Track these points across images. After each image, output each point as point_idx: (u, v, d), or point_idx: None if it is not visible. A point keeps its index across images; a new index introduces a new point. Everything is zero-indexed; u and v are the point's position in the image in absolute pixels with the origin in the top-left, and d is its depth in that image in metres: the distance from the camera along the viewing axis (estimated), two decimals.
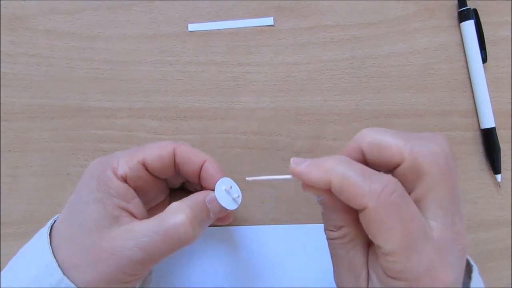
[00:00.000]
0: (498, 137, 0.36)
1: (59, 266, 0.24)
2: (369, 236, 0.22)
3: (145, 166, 0.27)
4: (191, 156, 0.28)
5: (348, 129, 0.36)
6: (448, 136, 0.36)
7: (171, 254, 0.25)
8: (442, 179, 0.22)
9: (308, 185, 0.23)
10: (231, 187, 0.27)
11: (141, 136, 0.37)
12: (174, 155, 0.27)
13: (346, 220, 0.23)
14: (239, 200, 0.28)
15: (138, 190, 0.27)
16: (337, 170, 0.22)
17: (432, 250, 0.21)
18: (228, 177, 0.28)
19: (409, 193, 0.22)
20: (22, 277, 0.25)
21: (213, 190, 0.27)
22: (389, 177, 0.22)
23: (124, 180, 0.26)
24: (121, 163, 0.27)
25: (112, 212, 0.25)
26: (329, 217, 0.24)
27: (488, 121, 0.36)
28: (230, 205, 0.27)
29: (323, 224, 0.25)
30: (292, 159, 0.24)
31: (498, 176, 0.36)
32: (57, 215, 0.29)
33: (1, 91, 0.37)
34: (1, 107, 0.37)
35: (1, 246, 0.36)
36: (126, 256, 0.24)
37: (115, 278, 0.24)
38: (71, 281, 0.24)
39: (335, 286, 0.26)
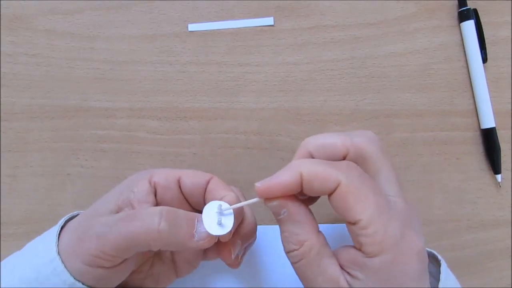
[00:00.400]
0: (498, 137, 0.36)
1: (57, 243, 0.25)
2: (344, 215, 0.23)
3: (180, 184, 0.27)
4: (217, 187, 0.27)
5: (348, 129, 0.36)
6: (448, 136, 0.36)
7: (136, 249, 0.24)
8: (384, 158, 0.25)
9: (272, 198, 0.24)
10: (221, 208, 0.24)
11: (141, 136, 0.37)
12: (208, 183, 0.27)
13: (309, 231, 0.24)
14: (227, 228, 0.24)
15: (163, 204, 0.26)
16: (305, 163, 0.23)
17: (400, 218, 0.23)
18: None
19: None
20: (33, 255, 0.26)
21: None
22: (347, 161, 0.24)
23: (155, 187, 0.27)
24: (160, 172, 0.27)
25: (120, 204, 0.26)
26: (291, 233, 0.24)
27: (488, 121, 0.36)
28: (213, 230, 0.24)
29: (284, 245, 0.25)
30: (256, 184, 0.24)
31: (498, 176, 0.36)
32: (73, 213, 0.29)
33: (1, 91, 0.37)
34: (1, 107, 0.37)
35: (1, 246, 0.36)
36: (92, 228, 0.24)
37: (82, 247, 0.24)
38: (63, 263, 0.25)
39: None
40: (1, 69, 0.37)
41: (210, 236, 0.24)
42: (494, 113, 0.36)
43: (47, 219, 0.36)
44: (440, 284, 0.24)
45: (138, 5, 0.38)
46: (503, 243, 0.35)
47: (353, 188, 0.22)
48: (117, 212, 0.26)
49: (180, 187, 0.27)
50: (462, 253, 0.36)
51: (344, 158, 0.25)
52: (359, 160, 0.25)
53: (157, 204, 0.27)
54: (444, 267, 0.26)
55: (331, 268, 0.23)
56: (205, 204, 0.26)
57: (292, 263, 0.24)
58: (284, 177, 0.23)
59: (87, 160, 0.37)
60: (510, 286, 0.35)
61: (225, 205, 0.25)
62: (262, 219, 0.35)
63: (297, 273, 0.25)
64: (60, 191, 0.36)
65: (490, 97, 0.36)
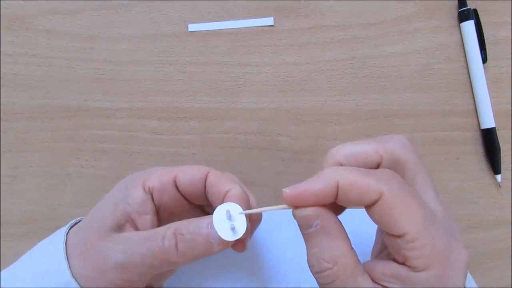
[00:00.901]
0: (498, 137, 0.36)
1: (68, 263, 0.24)
2: (388, 228, 0.21)
3: (176, 184, 0.26)
4: (219, 181, 0.25)
5: (348, 129, 0.36)
6: (448, 136, 0.36)
7: (159, 271, 0.24)
8: (420, 164, 0.23)
9: (303, 206, 0.22)
10: (230, 215, 0.23)
11: (141, 136, 0.37)
12: (206, 179, 0.26)
13: (344, 247, 0.21)
14: (240, 232, 0.23)
15: (163, 207, 0.26)
16: (341, 171, 0.21)
17: (444, 228, 0.21)
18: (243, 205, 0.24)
19: None
20: (38, 269, 0.25)
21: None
22: (384, 168, 0.22)
23: (150, 192, 0.26)
24: (154, 176, 0.26)
25: (119, 220, 0.25)
26: (323, 249, 0.21)
27: (488, 121, 0.36)
28: (227, 235, 0.23)
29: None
30: (283, 189, 0.22)
31: (498, 176, 0.36)
32: (78, 218, 0.28)
33: (1, 91, 0.37)
34: (1, 108, 0.37)
35: (1, 246, 0.36)
36: (111, 258, 0.23)
37: (103, 278, 0.24)
38: (76, 280, 0.24)
39: None
40: (1, 69, 0.37)
41: (226, 241, 0.23)
42: (494, 113, 0.36)
43: (47, 219, 0.36)
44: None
45: (138, 5, 0.38)
46: (503, 243, 0.36)
47: (397, 199, 0.20)
48: (119, 228, 0.25)
49: (176, 186, 0.26)
50: None
51: (378, 167, 0.23)
52: (395, 167, 0.23)
53: (156, 209, 0.26)
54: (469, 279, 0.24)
55: (366, 284, 0.21)
56: (207, 199, 0.25)
57: (322, 285, 0.22)
58: (318, 186, 0.21)
59: (87, 160, 0.37)
60: (510, 286, 0.35)
61: (233, 208, 0.23)
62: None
63: None
64: (60, 191, 0.36)
65: (490, 97, 0.36)
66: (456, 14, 0.37)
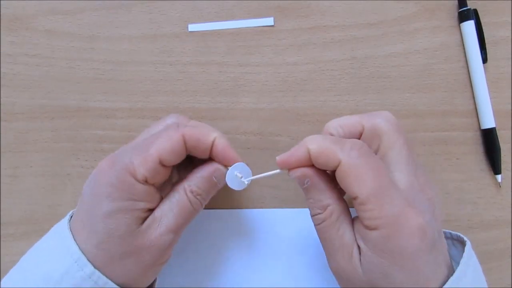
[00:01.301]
0: (498, 137, 0.36)
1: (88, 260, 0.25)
2: (346, 191, 0.25)
3: (161, 163, 0.26)
4: (200, 137, 0.27)
5: None
6: (448, 136, 0.36)
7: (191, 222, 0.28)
8: (398, 136, 0.26)
9: (293, 168, 0.26)
10: (241, 175, 0.28)
11: None
12: (184, 142, 0.27)
13: (331, 197, 0.26)
14: (246, 181, 0.29)
15: (157, 184, 0.27)
16: (315, 139, 0.26)
17: (401, 197, 0.24)
18: (239, 158, 0.28)
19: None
20: (51, 274, 0.25)
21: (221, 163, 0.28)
22: (354, 139, 0.26)
23: (145, 181, 0.26)
24: (137, 165, 0.26)
25: (140, 216, 0.26)
26: (316, 200, 0.26)
27: (488, 122, 0.36)
28: (239, 187, 0.28)
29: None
30: (277, 157, 0.27)
31: (498, 177, 0.36)
32: (73, 211, 0.29)
33: (1, 91, 0.37)
34: (1, 108, 0.37)
35: (1, 246, 0.36)
36: (163, 243, 0.26)
37: (155, 263, 0.27)
38: (102, 273, 0.25)
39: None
40: (1, 69, 0.37)
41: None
42: (494, 113, 0.36)
43: (47, 219, 0.36)
44: (462, 263, 0.25)
45: (138, 5, 0.38)
46: (503, 243, 0.36)
47: (353, 166, 0.24)
48: (141, 221, 0.26)
49: (162, 164, 0.27)
50: None
51: (360, 136, 0.28)
52: (373, 137, 0.27)
53: (154, 186, 0.27)
54: (468, 247, 0.27)
55: (348, 235, 0.26)
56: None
57: (315, 225, 0.27)
58: (297, 152, 0.26)
59: (87, 161, 0.37)
60: (511, 286, 0.35)
61: (243, 168, 0.28)
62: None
63: (318, 235, 0.27)
64: (60, 191, 0.36)
65: (490, 97, 0.36)
66: (456, 14, 0.37)
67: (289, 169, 0.27)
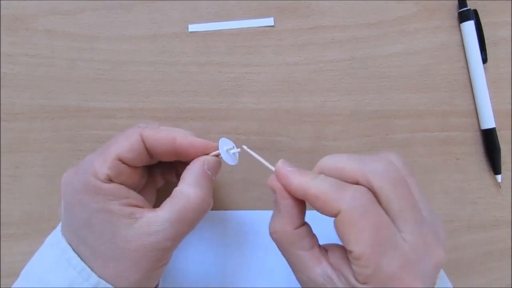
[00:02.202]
0: (498, 138, 0.36)
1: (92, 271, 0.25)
2: (343, 243, 0.23)
3: (120, 160, 0.26)
4: (158, 137, 0.27)
5: (348, 129, 0.36)
6: (449, 137, 0.36)
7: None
8: (397, 191, 0.23)
9: (271, 180, 0.26)
10: (233, 147, 0.29)
11: None
12: (144, 141, 0.27)
13: (285, 223, 0.25)
14: (237, 155, 0.29)
15: (128, 183, 0.27)
16: (314, 181, 0.24)
17: (401, 258, 0.22)
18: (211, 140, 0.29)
19: None
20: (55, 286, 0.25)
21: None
22: (358, 185, 0.23)
23: (110, 180, 0.26)
24: (98, 166, 0.26)
25: (122, 213, 0.25)
26: (273, 219, 0.26)
27: (488, 122, 0.36)
28: (232, 161, 0.29)
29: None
30: (281, 160, 0.26)
31: (498, 177, 0.36)
32: (59, 226, 0.28)
33: (2, 91, 0.37)
34: (2, 108, 0.37)
35: (1, 246, 0.36)
36: (159, 249, 0.25)
37: (154, 267, 0.26)
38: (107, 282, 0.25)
39: None
40: (2, 70, 0.37)
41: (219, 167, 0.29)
42: (494, 114, 0.36)
43: (47, 220, 0.36)
44: None
45: (139, 5, 0.38)
46: (504, 243, 0.36)
47: (352, 218, 0.22)
48: (128, 220, 0.25)
49: (124, 163, 0.27)
50: (463, 254, 0.36)
51: (357, 183, 0.24)
52: (370, 190, 0.24)
53: (126, 185, 0.27)
54: (441, 273, 0.26)
55: (305, 260, 0.25)
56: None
57: (279, 239, 0.26)
58: (295, 183, 0.24)
59: None
60: (510, 287, 0.35)
61: (228, 143, 0.29)
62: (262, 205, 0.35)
63: (288, 251, 0.26)
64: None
65: (490, 98, 0.36)
66: (456, 14, 0.37)
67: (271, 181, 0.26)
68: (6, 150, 0.37)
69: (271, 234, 0.26)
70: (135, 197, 0.27)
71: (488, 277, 0.35)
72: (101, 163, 0.26)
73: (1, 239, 0.36)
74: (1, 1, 0.38)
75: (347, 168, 0.24)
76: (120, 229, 0.25)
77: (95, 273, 0.25)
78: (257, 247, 0.35)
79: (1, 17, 0.38)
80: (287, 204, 0.25)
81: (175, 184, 0.28)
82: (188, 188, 0.26)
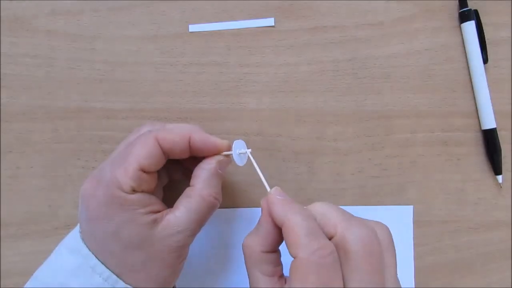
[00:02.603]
0: (499, 138, 0.36)
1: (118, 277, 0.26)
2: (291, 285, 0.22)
3: (142, 170, 0.26)
4: (174, 138, 0.27)
5: (348, 130, 0.36)
6: (449, 137, 0.36)
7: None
8: (367, 262, 0.22)
9: (262, 202, 0.26)
10: (246, 152, 0.30)
11: None
12: (160, 145, 0.27)
13: (258, 244, 0.25)
14: (246, 156, 0.30)
15: (146, 189, 0.27)
16: (294, 217, 0.23)
17: None
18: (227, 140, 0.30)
19: None
20: None
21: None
22: (330, 243, 0.22)
23: (133, 191, 0.26)
24: (120, 177, 0.26)
25: (148, 220, 0.26)
26: (250, 233, 0.26)
27: (489, 122, 0.36)
28: (241, 162, 0.30)
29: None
30: (275, 188, 0.26)
31: (499, 177, 0.36)
32: (77, 229, 0.28)
33: (2, 92, 0.37)
34: (2, 108, 0.37)
35: (1, 247, 0.36)
36: (181, 245, 0.27)
37: (177, 264, 0.27)
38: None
39: None
40: (2, 70, 0.37)
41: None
42: (495, 114, 0.36)
43: (48, 220, 0.36)
44: None
45: (139, 6, 0.38)
46: (504, 244, 0.36)
47: (304, 269, 0.22)
48: (151, 226, 0.26)
49: (144, 172, 0.27)
50: (463, 254, 0.36)
51: (331, 238, 0.23)
52: (341, 250, 0.23)
53: (144, 191, 0.27)
54: None
55: (260, 283, 0.25)
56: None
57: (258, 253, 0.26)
58: (276, 211, 0.25)
59: (88, 161, 0.37)
60: (511, 287, 0.35)
61: (241, 145, 0.30)
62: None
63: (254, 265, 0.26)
64: (61, 192, 0.36)
65: (491, 98, 0.36)
66: (457, 14, 0.37)
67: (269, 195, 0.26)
68: (6, 150, 0.37)
69: (242, 246, 0.26)
70: (155, 202, 0.27)
71: (489, 278, 0.35)
72: (123, 174, 0.26)
73: (1, 239, 0.36)
74: (1, 2, 0.38)
75: (332, 219, 0.24)
76: (146, 235, 0.26)
77: (122, 280, 0.26)
78: None
79: (1, 18, 0.38)
80: (266, 226, 0.25)
81: (178, 181, 0.28)
82: (202, 188, 0.28)
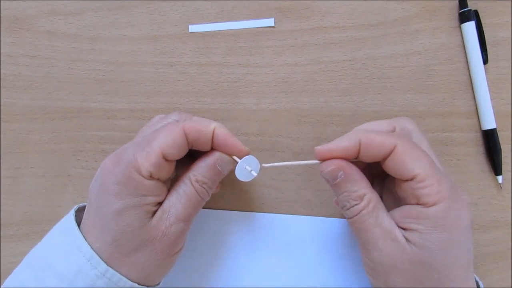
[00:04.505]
0: (499, 138, 0.36)
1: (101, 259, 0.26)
2: (401, 173, 0.26)
3: (164, 157, 0.27)
4: (200, 129, 0.28)
5: (348, 130, 0.36)
6: (449, 137, 0.36)
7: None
8: (423, 134, 0.30)
9: (327, 164, 0.27)
10: (251, 170, 0.29)
11: None
12: (185, 135, 0.27)
13: (366, 186, 0.27)
14: (255, 173, 0.29)
15: (162, 177, 0.28)
16: (362, 132, 0.27)
17: (447, 175, 0.26)
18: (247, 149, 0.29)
19: None
20: (64, 273, 0.25)
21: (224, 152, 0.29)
22: (399, 131, 0.29)
23: (151, 176, 0.26)
24: (141, 161, 0.26)
25: (150, 209, 0.27)
26: (351, 191, 0.27)
27: (489, 122, 0.36)
28: (247, 178, 0.29)
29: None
30: (315, 147, 0.28)
31: (499, 178, 0.36)
32: (79, 205, 0.29)
33: (2, 92, 0.37)
34: (2, 109, 0.37)
35: (2, 247, 0.36)
36: (174, 232, 0.27)
37: (167, 253, 0.27)
38: (116, 270, 0.26)
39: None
40: (2, 70, 0.37)
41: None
42: (494, 114, 0.36)
43: (48, 220, 0.36)
44: None
45: (139, 6, 0.38)
46: (504, 244, 0.35)
47: (408, 149, 0.26)
48: (152, 214, 0.27)
49: (165, 159, 0.27)
50: None
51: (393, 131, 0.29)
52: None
53: (160, 179, 0.28)
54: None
55: (387, 220, 0.26)
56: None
57: (351, 218, 0.27)
58: (345, 143, 0.27)
59: (88, 161, 0.37)
60: (510, 287, 0.35)
61: (253, 162, 0.29)
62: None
63: (354, 228, 0.27)
64: (61, 192, 0.36)
65: (491, 98, 0.36)
66: (457, 15, 0.37)
67: (324, 163, 0.27)
68: (6, 151, 0.37)
69: (353, 206, 0.27)
70: (164, 193, 0.28)
71: (489, 278, 0.35)
72: (144, 158, 0.26)
73: (1, 240, 0.36)
74: (2, 2, 0.38)
75: (384, 124, 0.29)
76: (145, 224, 0.26)
77: (106, 261, 0.26)
78: (256, 248, 0.35)
79: (2, 18, 0.38)
80: (355, 169, 0.27)
81: None
82: (197, 179, 0.28)
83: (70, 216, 0.28)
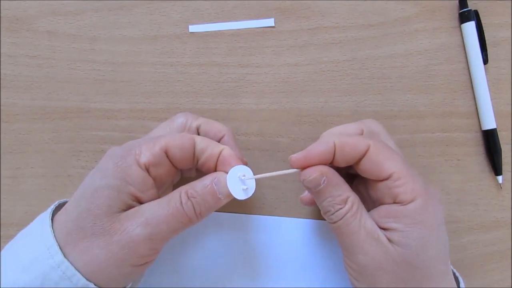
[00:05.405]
0: (499, 138, 0.36)
1: (60, 249, 0.25)
2: (377, 173, 0.26)
3: (166, 154, 0.27)
4: (208, 145, 0.28)
5: None
6: (449, 138, 0.36)
7: (177, 234, 0.27)
8: (389, 135, 0.31)
9: (309, 171, 0.26)
10: (244, 175, 0.27)
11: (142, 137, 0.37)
12: (194, 145, 0.28)
13: (348, 189, 0.27)
14: (250, 192, 0.28)
15: (157, 179, 0.27)
16: (335, 135, 0.27)
17: (419, 177, 0.26)
18: (248, 166, 0.28)
19: None
20: (22, 258, 0.25)
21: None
22: (368, 132, 0.30)
23: (146, 168, 0.26)
24: (144, 150, 0.26)
25: (125, 201, 0.26)
26: (334, 196, 0.26)
27: (489, 122, 0.36)
28: (239, 194, 0.27)
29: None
30: (291, 156, 0.27)
31: (499, 178, 0.36)
32: (60, 200, 0.29)
33: (2, 92, 0.37)
34: (2, 109, 0.37)
35: (1, 247, 0.36)
36: (137, 234, 0.25)
37: (126, 258, 0.25)
38: (71, 263, 0.24)
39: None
40: (2, 71, 0.37)
41: (231, 195, 0.27)
42: (495, 114, 0.36)
43: None
44: None
45: (139, 6, 0.38)
46: (504, 244, 0.35)
47: (381, 149, 0.26)
48: (124, 208, 0.26)
49: (168, 156, 0.27)
50: (463, 255, 0.36)
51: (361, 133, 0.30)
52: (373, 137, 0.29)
53: (154, 182, 0.27)
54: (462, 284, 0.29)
55: (370, 222, 0.26)
56: (197, 163, 0.28)
57: (335, 222, 0.27)
58: (319, 148, 0.26)
59: (88, 162, 0.37)
60: (511, 287, 0.35)
61: (247, 172, 0.27)
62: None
63: (337, 233, 0.27)
64: (61, 193, 0.36)
65: (491, 98, 0.36)
66: (457, 15, 0.37)
67: (302, 169, 0.27)
68: (6, 151, 0.37)
69: (338, 210, 0.26)
70: (150, 196, 0.27)
71: (489, 278, 0.35)
72: (148, 148, 0.26)
73: (1, 240, 0.36)
74: (2, 2, 0.38)
75: (352, 127, 0.30)
76: (114, 212, 0.25)
77: (63, 247, 0.25)
78: (254, 250, 0.35)
79: (2, 18, 0.38)
80: (336, 173, 0.27)
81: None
82: (187, 191, 0.27)
83: (52, 205, 0.28)
